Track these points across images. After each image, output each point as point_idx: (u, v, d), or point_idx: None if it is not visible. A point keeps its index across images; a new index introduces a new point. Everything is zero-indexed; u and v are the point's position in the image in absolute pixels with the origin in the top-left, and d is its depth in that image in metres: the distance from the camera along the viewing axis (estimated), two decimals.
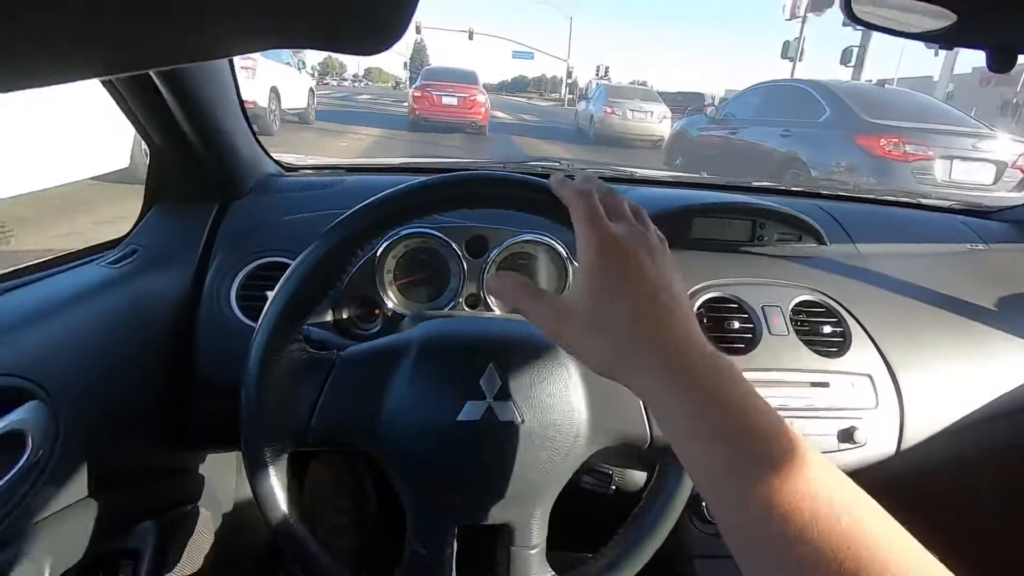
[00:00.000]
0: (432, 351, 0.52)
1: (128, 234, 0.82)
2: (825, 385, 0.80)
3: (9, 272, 0.67)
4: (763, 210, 0.95)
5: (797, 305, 0.85)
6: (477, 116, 10.69)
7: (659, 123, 10.73)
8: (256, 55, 7.12)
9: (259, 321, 0.48)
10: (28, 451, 0.49)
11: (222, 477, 0.93)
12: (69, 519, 0.58)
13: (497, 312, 0.83)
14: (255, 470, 0.48)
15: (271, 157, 1.05)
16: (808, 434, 0.77)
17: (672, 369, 0.34)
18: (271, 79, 7.69)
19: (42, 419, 0.51)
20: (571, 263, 0.83)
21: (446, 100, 10.60)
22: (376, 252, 0.79)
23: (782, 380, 0.79)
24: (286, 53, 8.84)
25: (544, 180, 0.49)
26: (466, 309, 0.83)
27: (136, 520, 0.68)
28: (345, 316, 0.81)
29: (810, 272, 0.91)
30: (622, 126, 10.72)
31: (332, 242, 0.49)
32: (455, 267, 0.83)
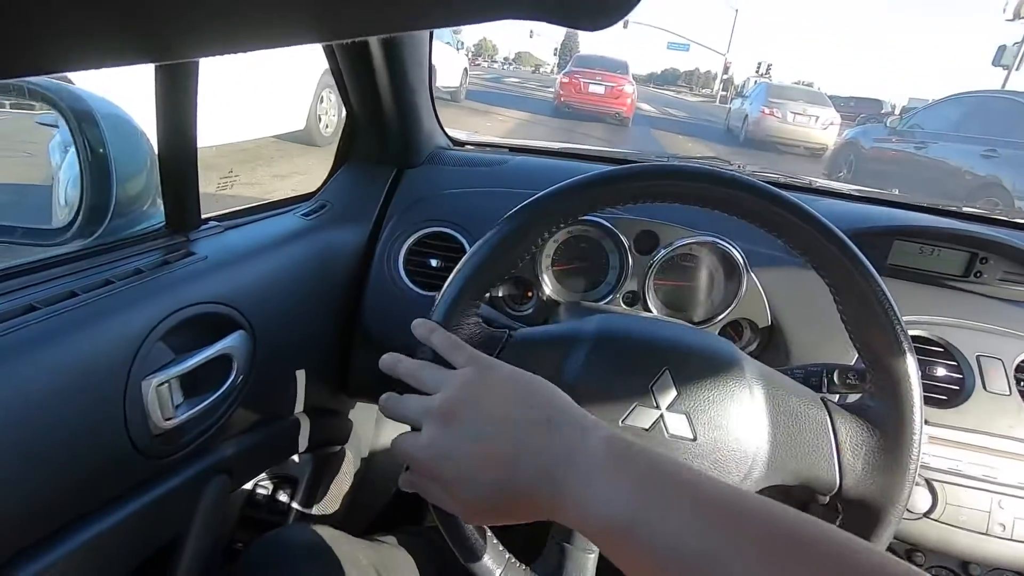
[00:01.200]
0: (607, 345, 0.50)
1: (319, 189, 0.89)
2: None
3: (225, 214, 0.75)
4: (988, 242, 0.80)
5: None
6: (622, 107, 10.45)
7: (824, 130, 9.70)
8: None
9: (441, 292, 0.49)
10: (233, 373, 0.54)
11: (364, 424, 0.99)
12: (250, 440, 0.64)
13: (654, 313, 0.78)
14: None
15: (443, 130, 1.09)
16: (1021, 518, 0.64)
17: None
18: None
19: (246, 347, 0.57)
20: (747, 272, 0.76)
21: (593, 88, 10.48)
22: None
23: (993, 448, 0.66)
24: (447, 32, 9.25)
25: (774, 189, 0.45)
26: (622, 306, 0.80)
27: (296, 451, 0.74)
28: (500, 295, 0.81)
29: None
30: (778, 129, 9.85)
31: (521, 222, 0.48)
32: (615, 260, 0.79)
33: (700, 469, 0.47)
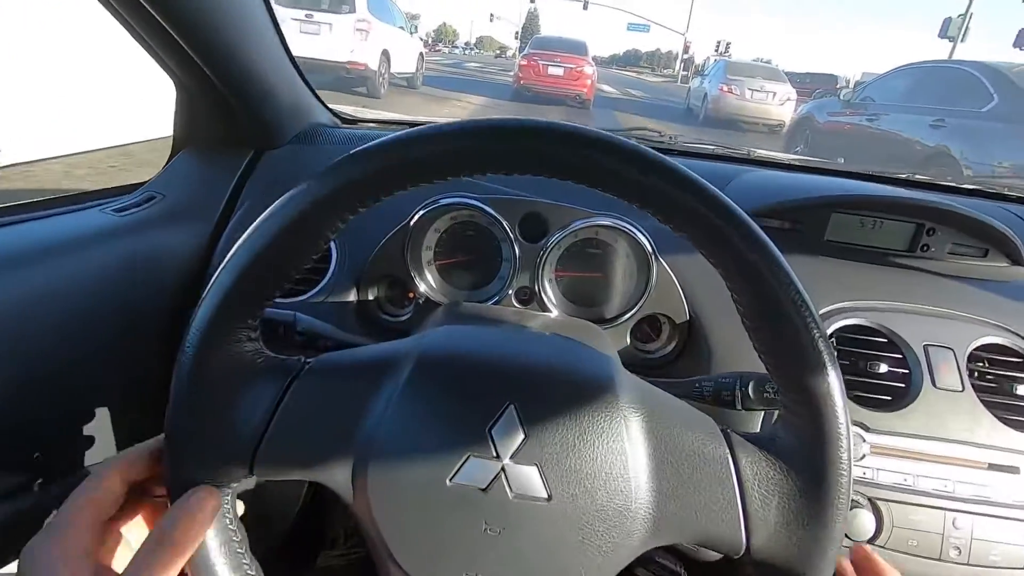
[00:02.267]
0: (431, 372, 0.36)
1: (148, 180, 0.73)
2: (1012, 471, 0.55)
3: (10, 207, 0.59)
4: (934, 209, 0.69)
5: (978, 350, 0.60)
6: (582, 89, 10.32)
7: (781, 105, 9.75)
8: (371, 17, 7.23)
9: (198, 304, 0.35)
10: None
11: None
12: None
13: (554, 314, 0.65)
14: None
15: (326, 106, 0.94)
16: (979, 539, 0.53)
17: None
18: (383, 42, 7.77)
19: None
20: (656, 260, 0.63)
21: (552, 70, 10.32)
22: (411, 223, 0.64)
23: (946, 456, 0.55)
24: (401, 17, 8.95)
25: (640, 146, 0.32)
26: (516, 304, 0.67)
27: None
28: (371, 297, 0.67)
29: (1000, 303, 0.65)
30: (738, 107, 9.86)
31: (303, 203, 0.34)
32: (507, 251, 0.66)
33: (558, 538, 0.34)
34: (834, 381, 0.33)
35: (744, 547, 0.35)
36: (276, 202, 0.35)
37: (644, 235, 0.62)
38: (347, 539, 0.90)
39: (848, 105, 5.80)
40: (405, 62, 9.17)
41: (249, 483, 0.37)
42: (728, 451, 0.35)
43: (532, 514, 0.34)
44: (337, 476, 0.36)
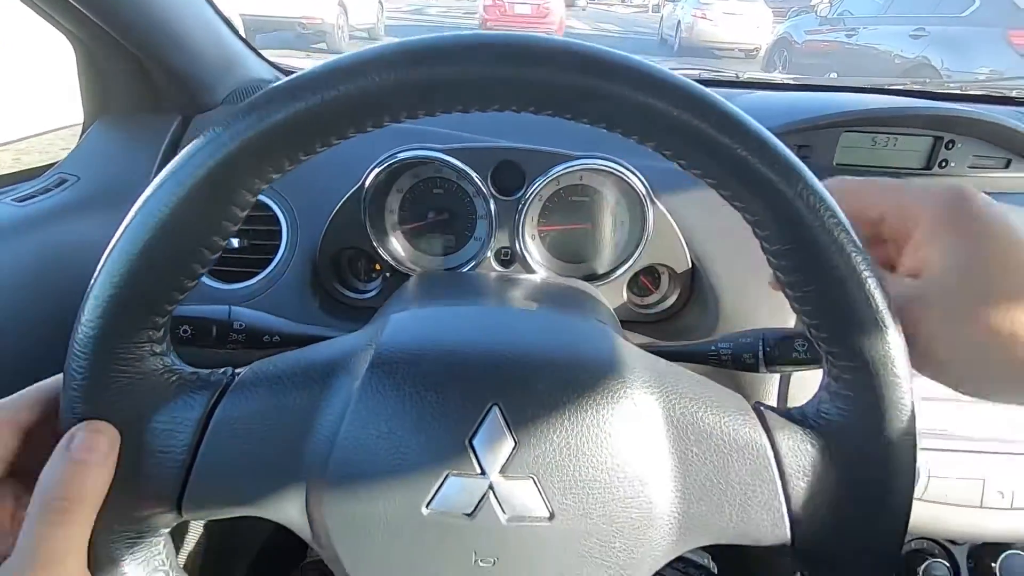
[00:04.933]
0: (389, 373, 0.29)
1: (57, 160, 0.63)
2: None
3: None
4: (953, 119, 0.62)
5: None
6: (551, 26, 9.94)
7: (756, 28, 9.44)
8: None
9: (80, 309, 0.27)
10: None
11: None
12: None
13: (540, 274, 0.58)
14: (100, 571, 0.28)
15: (264, 58, 0.82)
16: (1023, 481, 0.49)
17: None
18: None
19: None
20: (652, 202, 0.55)
21: (518, 9, 9.90)
22: (366, 182, 0.55)
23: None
24: None
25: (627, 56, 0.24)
26: (496, 267, 0.59)
27: None
28: (331, 274, 0.59)
29: None
30: (712, 33, 9.53)
31: (205, 161, 0.25)
32: (483, 207, 0.58)
33: (565, 563, 0.28)
34: (896, 342, 0.26)
35: (789, 543, 0.29)
36: (170, 163, 0.26)
37: (636, 175, 0.54)
38: None
39: (826, 21, 5.62)
40: (364, 12, 8.66)
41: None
42: (764, 432, 0.29)
43: (532, 538, 0.27)
44: (287, 511, 0.29)
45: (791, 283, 0.27)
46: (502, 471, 0.27)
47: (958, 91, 0.91)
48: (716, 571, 0.43)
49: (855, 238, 0.25)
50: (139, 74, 0.63)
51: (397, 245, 0.60)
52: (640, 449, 0.28)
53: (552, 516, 0.27)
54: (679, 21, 10.24)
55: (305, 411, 0.29)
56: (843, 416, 0.28)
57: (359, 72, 0.24)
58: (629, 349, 0.31)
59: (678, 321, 0.59)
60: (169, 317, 0.28)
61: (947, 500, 0.49)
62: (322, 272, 0.58)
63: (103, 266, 0.26)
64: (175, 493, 0.29)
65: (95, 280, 0.26)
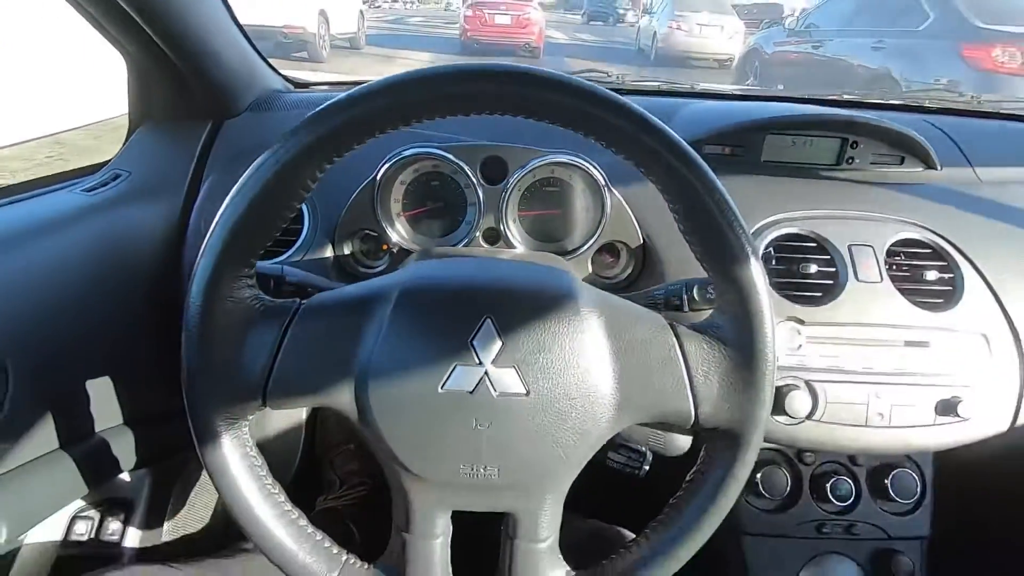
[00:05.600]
0: (415, 299, 0.41)
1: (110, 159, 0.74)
2: (923, 345, 0.64)
3: None
4: (854, 123, 0.76)
5: (895, 245, 0.68)
6: (531, 36, 10.06)
7: (729, 39, 9.71)
8: None
9: (198, 257, 0.39)
10: None
11: None
12: (32, 474, 0.53)
13: (520, 249, 0.71)
14: (205, 443, 0.40)
15: (277, 72, 0.94)
16: (897, 404, 0.63)
17: None
18: (319, 1, 7.39)
19: None
20: (609, 192, 0.68)
21: (499, 20, 10.01)
22: (377, 176, 0.68)
23: (869, 338, 0.64)
24: None
25: (583, 81, 0.37)
26: (484, 245, 0.71)
27: (124, 469, 0.63)
28: (347, 252, 0.71)
29: (914, 203, 0.73)
30: (686, 44, 9.77)
31: (283, 155, 0.37)
32: (471, 195, 0.70)
33: (538, 427, 0.41)
34: (756, 267, 0.39)
35: (693, 418, 0.42)
36: (259, 158, 0.38)
37: (597, 168, 0.68)
38: (343, 484, 0.97)
39: (793, 33, 5.83)
40: (345, 21, 8.73)
41: (264, 413, 0.42)
42: (675, 338, 0.42)
43: (514, 408, 0.40)
44: (342, 399, 0.41)
45: (688, 231, 0.40)
46: (493, 362, 0.40)
47: (878, 100, 1.07)
48: (651, 457, 0.56)
49: (728, 199, 0.38)
50: (178, 84, 0.74)
51: (401, 228, 0.72)
52: (588, 349, 0.41)
53: (528, 393, 0.40)
54: (655, 32, 10.48)
55: (352, 328, 0.41)
56: (726, 323, 0.41)
57: (401, 89, 0.37)
58: (583, 284, 0.44)
59: (634, 288, 0.72)
60: (258, 259, 0.40)
61: (839, 421, 0.63)
62: (339, 250, 0.70)
63: (218, 220, 0.38)
64: (261, 388, 0.40)
65: (212, 229, 0.38)
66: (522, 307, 0.41)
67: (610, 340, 0.41)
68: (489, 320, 0.40)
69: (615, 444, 0.54)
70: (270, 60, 0.92)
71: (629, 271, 0.72)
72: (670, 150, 0.38)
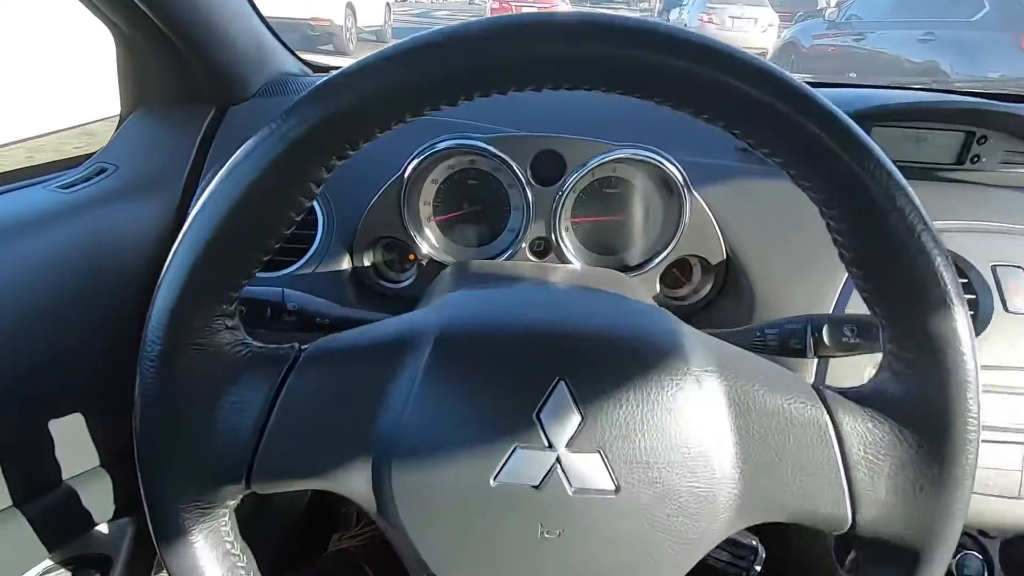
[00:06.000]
0: (458, 349, 0.29)
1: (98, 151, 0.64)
2: None
3: None
4: (985, 114, 0.62)
5: None
6: None
7: (763, 32, 9.43)
8: None
9: (158, 283, 0.28)
10: None
11: None
12: None
13: (576, 265, 0.58)
14: (167, 543, 0.29)
15: (293, 53, 0.83)
16: None
17: None
18: None
19: None
20: (689, 192, 0.56)
21: (525, 10, 9.93)
22: (405, 173, 0.56)
23: (1021, 386, 0.50)
24: None
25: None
26: (531, 258, 0.59)
27: (100, 520, 0.53)
28: (367, 263, 0.60)
29: None
30: (718, 37, 9.54)
31: (276, 143, 0.26)
32: (517, 198, 0.58)
33: (629, 534, 0.29)
34: (962, 320, 0.26)
35: (849, 524, 0.29)
36: (239, 150, 0.27)
37: (675, 165, 0.55)
38: (358, 520, 0.86)
39: (833, 26, 5.59)
40: (372, 14, 8.69)
41: (247, 497, 0.31)
42: (825, 412, 0.29)
43: (597, 510, 0.28)
44: (354, 483, 0.30)
45: (856, 260, 0.27)
46: (568, 444, 0.28)
47: (981, 89, 0.91)
48: (764, 553, 0.44)
49: (925, 216, 0.26)
50: (177, 66, 0.64)
51: (431, 235, 0.60)
52: (703, 426, 0.28)
53: (618, 489, 0.28)
54: (685, 24, 10.25)
55: (372, 386, 0.29)
56: (907, 394, 0.28)
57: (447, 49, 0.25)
58: (690, 330, 0.32)
59: (711, 313, 0.59)
60: (241, 292, 0.29)
61: (983, 490, 0.49)
62: (358, 261, 0.59)
63: (181, 241, 0.27)
64: (245, 466, 0.29)
65: (173, 254, 0.27)
66: (609, 364, 0.29)
67: (734, 414, 0.29)
68: (563, 384, 0.28)
69: None
70: (296, 52, 0.82)
71: (705, 291, 0.59)
72: (841, 140, 0.25)
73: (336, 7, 7.08)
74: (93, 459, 0.52)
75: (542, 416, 0.28)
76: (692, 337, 0.31)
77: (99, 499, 0.53)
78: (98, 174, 0.59)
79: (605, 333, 0.31)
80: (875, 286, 0.28)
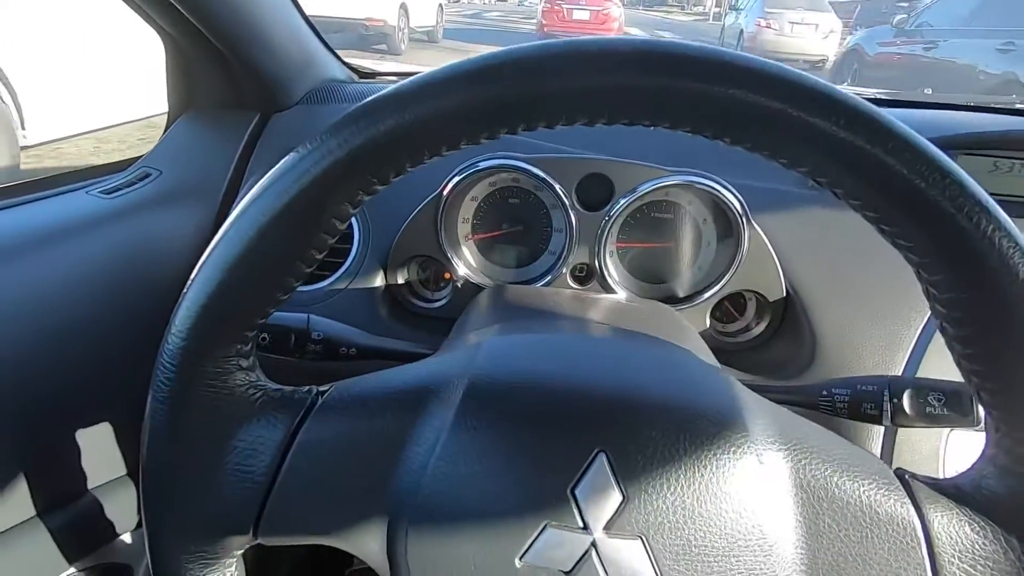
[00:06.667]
0: (486, 406, 0.27)
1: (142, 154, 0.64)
2: None
3: None
4: None
5: None
6: (610, 32, 9.87)
7: (824, 39, 9.07)
8: None
9: (171, 318, 0.26)
10: None
11: None
12: (15, 542, 0.43)
13: (621, 296, 0.55)
14: None
15: (341, 60, 0.83)
16: None
17: None
18: None
19: None
20: (748, 223, 0.51)
21: (577, 15, 9.89)
22: (444, 191, 0.54)
23: None
24: None
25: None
26: (572, 284, 0.56)
27: (123, 530, 0.53)
28: (401, 281, 0.58)
29: None
30: (775, 43, 9.19)
31: (301, 175, 0.24)
32: (559, 220, 0.55)
33: None
34: None
35: None
36: (265, 176, 0.25)
37: (733, 192, 0.50)
38: None
39: (902, 33, 5.32)
40: (424, 15, 8.82)
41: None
42: (913, 508, 0.25)
43: None
44: (368, 544, 0.27)
45: (963, 337, 0.23)
46: (607, 528, 0.24)
47: None
48: None
49: None
50: (223, 72, 0.63)
51: (468, 255, 0.58)
52: (764, 514, 0.25)
53: None
54: (742, 30, 9.96)
55: (393, 439, 0.27)
56: (1014, 494, 0.24)
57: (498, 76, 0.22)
58: (753, 398, 0.28)
59: (765, 353, 0.54)
60: (257, 331, 0.27)
61: None
62: (392, 278, 0.57)
63: (196, 275, 0.25)
64: (253, 516, 0.27)
65: (187, 289, 0.25)
66: (658, 436, 0.25)
67: (802, 501, 0.25)
68: (604, 456, 0.25)
69: None
70: (348, 51, 0.81)
71: (760, 330, 0.55)
72: (943, 191, 0.21)
73: (390, 7, 7.22)
74: (118, 469, 0.52)
75: (578, 492, 0.25)
76: (755, 406, 0.27)
77: (122, 509, 0.52)
78: (141, 179, 0.59)
79: (655, 398, 0.27)
80: (984, 368, 0.23)
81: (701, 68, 0.21)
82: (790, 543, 0.25)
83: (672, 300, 0.55)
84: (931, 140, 0.57)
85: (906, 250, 0.23)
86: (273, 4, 0.63)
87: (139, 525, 0.54)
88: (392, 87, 0.24)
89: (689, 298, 0.54)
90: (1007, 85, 4.10)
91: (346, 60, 0.86)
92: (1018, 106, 0.81)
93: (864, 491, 0.25)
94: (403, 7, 7.64)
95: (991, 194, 0.57)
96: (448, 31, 10.56)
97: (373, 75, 0.89)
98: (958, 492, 0.25)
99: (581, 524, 0.24)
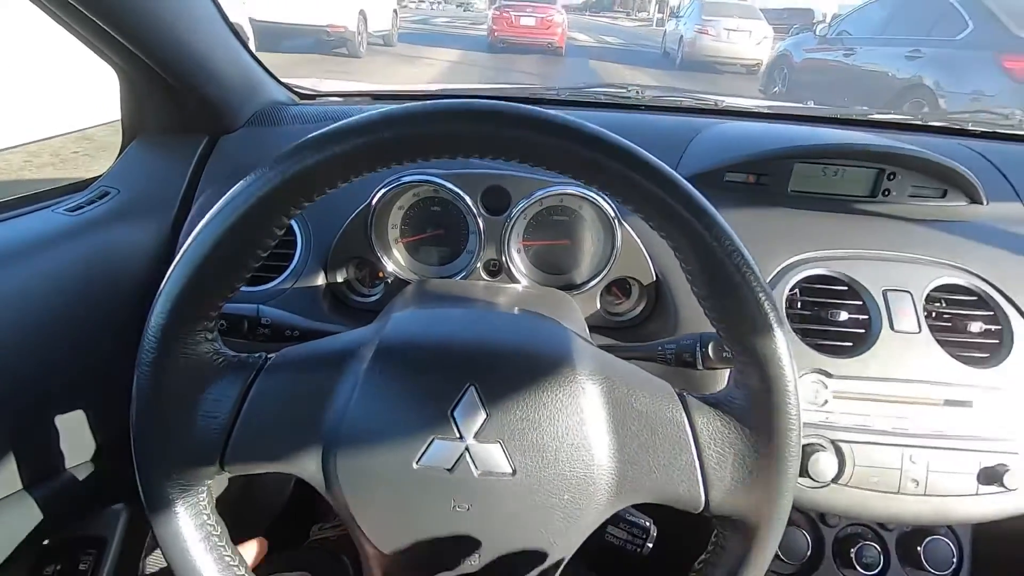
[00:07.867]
0: (391, 358, 0.37)
1: (100, 176, 0.71)
2: (966, 404, 0.58)
3: None
4: (892, 154, 0.70)
5: (936, 291, 0.62)
6: (554, 37, 10.14)
7: (757, 45, 9.55)
8: None
9: (153, 304, 0.35)
10: None
11: None
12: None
13: (522, 284, 0.66)
14: (155, 511, 0.36)
15: (281, 83, 0.91)
16: (935, 471, 0.56)
17: None
18: (360, 2, 7.50)
19: None
20: (620, 223, 0.63)
21: (524, 21, 10.11)
22: (372, 201, 0.64)
23: (904, 396, 0.58)
24: None
25: (577, 122, 0.32)
26: (485, 277, 0.67)
27: (98, 504, 0.60)
28: (340, 280, 0.67)
29: (957, 243, 0.66)
30: (714, 48, 9.64)
31: (248, 197, 0.33)
32: (474, 224, 0.66)
33: (525, 509, 0.36)
34: (780, 341, 0.34)
35: (703, 503, 0.37)
36: (225, 195, 0.34)
37: (606, 200, 0.63)
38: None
39: (824, 40, 5.70)
40: (380, 20, 8.85)
41: (222, 479, 0.38)
42: (684, 413, 0.37)
43: (498, 489, 0.35)
44: (307, 467, 0.37)
45: (703, 295, 0.35)
46: (476, 436, 0.35)
47: (918, 122, 1.00)
48: (655, 533, 0.51)
49: (750, 260, 0.33)
50: (173, 99, 0.71)
51: (398, 256, 0.68)
52: (585, 423, 0.36)
53: (514, 472, 0.35)
54: (682, 36, 10.36)
55: (322, 388, 0.37)
56: (745, 400, 0.36)
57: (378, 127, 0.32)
58: (581, 344, 0.39)
59: (644, 328, 0.67)
60: (220, 310, 0.36)
61: (868, 486, 0.57)
62: (332, 277, 0.66)
63: (174, 268, 0.34)
64: (218, 451, 0.36)
65: (165, 283, 0.34)
66: (511, 373, 0.36)
67: (611, 412, 0.36)
68: (473, 388, 0.36)
69: (616, 517, 0.49)
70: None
71: (640, 309, 0.67)
72: (681, 202, 0.33)
73: (350, 14, 7.23)
74: (91, 451, 0.60)
75: (455, 414, 0.35)
76: (584, 352, 0.39)
77: (97, 486, 0.60)
78: (101, 197, 0.66)
79: (511, 347, 0.38)
80: (718, 316, 0.35)
81: (480, 118, 0.32)
82: (604, 441, 0.36)
83: (570, 287, 0.67)
84: (776, 152, 0.72)
85: (666, 238, 0.35)
86: (215, 36, 0.71)
87: (112, 501, 0.61)
88: (312, 134, 0.33)
89: (581, 285, 0.66)
90: (914, 88, 4.46)
91: (284, 81, 0.94)
92: (863, 118, 0.98)
93: (653, 403, 0.37)
94: (362, 13, 7.65)
95: (820, 194, 0.72)
96: (402, 35, 10.57)
97: (313, 96, 0.97)
98: (716, 401, 0.37)
99: (458, 435, 0.35)
